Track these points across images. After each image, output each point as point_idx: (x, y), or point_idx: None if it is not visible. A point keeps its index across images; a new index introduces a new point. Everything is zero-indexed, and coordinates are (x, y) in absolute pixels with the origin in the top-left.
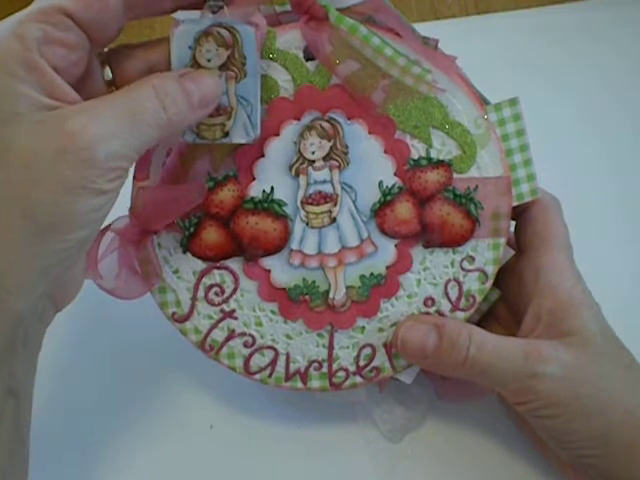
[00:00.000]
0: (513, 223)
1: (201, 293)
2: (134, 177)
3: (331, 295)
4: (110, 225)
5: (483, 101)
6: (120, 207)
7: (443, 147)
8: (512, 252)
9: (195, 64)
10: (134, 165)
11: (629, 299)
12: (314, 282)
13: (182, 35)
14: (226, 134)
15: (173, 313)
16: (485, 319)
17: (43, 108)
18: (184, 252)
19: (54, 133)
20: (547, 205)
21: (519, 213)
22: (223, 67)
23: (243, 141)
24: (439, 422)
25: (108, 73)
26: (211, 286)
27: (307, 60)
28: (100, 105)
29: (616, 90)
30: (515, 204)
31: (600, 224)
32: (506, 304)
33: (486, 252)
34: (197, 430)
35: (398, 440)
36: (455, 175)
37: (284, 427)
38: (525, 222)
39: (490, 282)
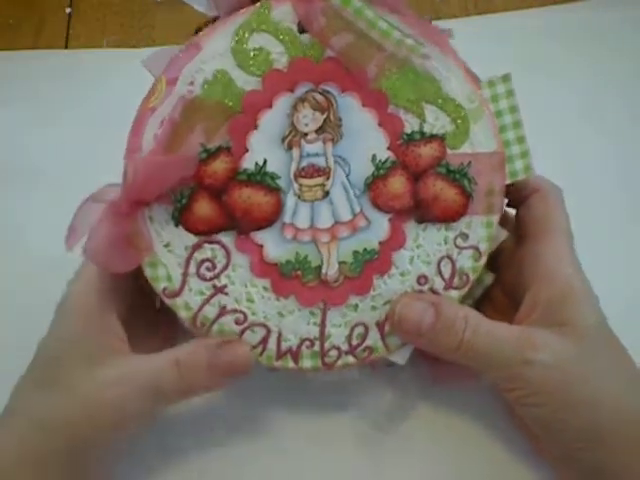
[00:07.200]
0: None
1: (192, 269)
2: (127, 148)
3: (324, 270)
4: (96, 194)
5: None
6: (109, 174)
7: (436, 122)
8: (506, 233)
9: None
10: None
11: (629, 292)
12: (306, 257)
13: None
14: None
15: (164, 288)
16: (482, 303)
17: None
18: (176, 225)
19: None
20: (548, 193)
21: (520, 201)
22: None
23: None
24: (430, 412)
25: None
26: (202, 261)
27: (301, 33)
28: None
29: (617, 90)
30: (509, 182)
31: (602, 220)
32: (503, 290)
33: (479, 229)
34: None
35: (390, 428)
36: (449, 151)
37: (277, 419)
38: (526, 210)
39: (484, 259)
